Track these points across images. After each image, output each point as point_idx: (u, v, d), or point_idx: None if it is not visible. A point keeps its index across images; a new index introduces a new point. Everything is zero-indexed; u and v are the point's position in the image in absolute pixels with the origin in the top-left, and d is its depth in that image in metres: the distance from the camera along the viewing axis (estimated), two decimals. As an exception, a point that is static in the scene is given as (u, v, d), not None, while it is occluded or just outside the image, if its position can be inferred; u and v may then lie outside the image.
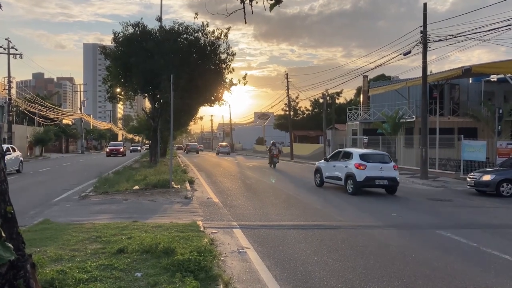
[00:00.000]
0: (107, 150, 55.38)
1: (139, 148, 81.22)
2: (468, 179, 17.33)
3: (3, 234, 2.78)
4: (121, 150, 54.63)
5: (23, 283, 2.92)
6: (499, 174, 16.37)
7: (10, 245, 2.79)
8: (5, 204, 3.00)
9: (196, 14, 23.23)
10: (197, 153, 67.65)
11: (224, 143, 70.47)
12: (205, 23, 24.00)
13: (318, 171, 19.04)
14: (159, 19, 25.11)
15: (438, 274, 6.47)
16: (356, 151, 17.77)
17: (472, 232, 9.66)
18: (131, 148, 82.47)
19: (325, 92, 47.16)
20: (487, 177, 16.40)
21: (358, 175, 15.86)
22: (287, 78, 48.80)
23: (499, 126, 22.70)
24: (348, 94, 64.07)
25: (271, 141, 34.20)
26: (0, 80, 47.03)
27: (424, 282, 6.09)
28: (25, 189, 16.89)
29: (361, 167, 16.00)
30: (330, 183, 18.13)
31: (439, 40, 21.70)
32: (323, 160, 19.39)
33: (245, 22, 3.71)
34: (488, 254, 7.73)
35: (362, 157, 16.46)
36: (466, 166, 21.75)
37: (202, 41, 23.91)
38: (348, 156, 17.11)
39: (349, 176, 16.23)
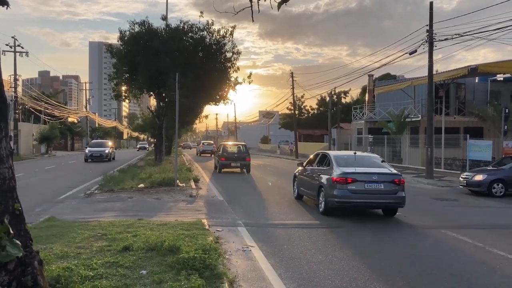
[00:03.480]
0: None
1: (107, 151, 38.25)
2: (461, 179, 17.28)
3: (11, 231, 2.80)
4: None
5: (31, 280, 2.94)
6: (491, 174, 16.31)
7: (18, 242, 2.81)
8: (13, 201, 3.02)
9: (202, 12, 23.28)
10: (190, 149, 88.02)
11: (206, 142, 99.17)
12: (210, 22, 24.03)
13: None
14: (164, 18, 25.13)
15: (443, 274, 6.45)
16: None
17: (478, 232, 9.61)
18: (87, 151, 38.68)
19: (332, 91, 47.04)
20: (479, 177, 16.35)
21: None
22: (292, 76, 48.75)
23: (505, 126, 22.55)
24: (353, 93, 63.75)
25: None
26: (6, 78, 47.29)
27: (430, 281, 6.08)
28: (30, 186, 16.97)
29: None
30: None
31: (445, 39, 21.59)
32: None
33: (253, 21, 3.71)
34: (494, 254, 7.69)
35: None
36: (472, 166, 21.63)
37: (207, 40, 23.92)
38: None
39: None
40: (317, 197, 11.73)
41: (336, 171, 10.96)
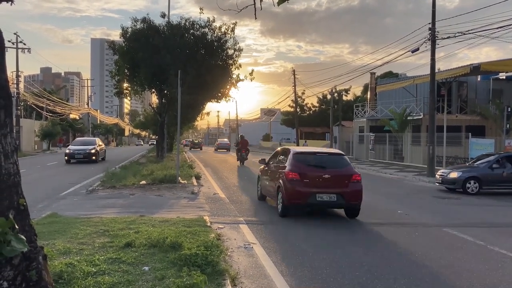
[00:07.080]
0: None
1: None
2: (437, 176, 17.32)
3: (16, 226, 2.82)
4: None
5: (36, 275, 2.96)
6: (465, 172, 16.36)
7: (23, 237, 2.82)
8: (18, 197, 3.03)
9: (201, 9, 23.30)
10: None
11: (187, 139, 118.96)
12: (211, 19, 24.01)
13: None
14: (164, 15, 25.08)
15: (444, 271, 6.46)
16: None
17: (479, 230, 9.62)
18: None
19: (333, 89, 47.00)
20: (454, 175, 16.43)
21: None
22: (294, 74, 48.68)
23: (508, 124, 22.53)
24: (355, 91, 63.76)
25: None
26: (8, 74, 47.19)
27: (431, 279, 6.09)
28: (32, 182, 17.01)
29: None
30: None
31: (448, 37, 21.53)
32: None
33: (255, 18, 3.71)
34: (495, 253, 7.70)
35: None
36: (474, 164, 21.61)
37: (209, 37, 23.91)
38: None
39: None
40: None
41: (218, 142, 66.76)
